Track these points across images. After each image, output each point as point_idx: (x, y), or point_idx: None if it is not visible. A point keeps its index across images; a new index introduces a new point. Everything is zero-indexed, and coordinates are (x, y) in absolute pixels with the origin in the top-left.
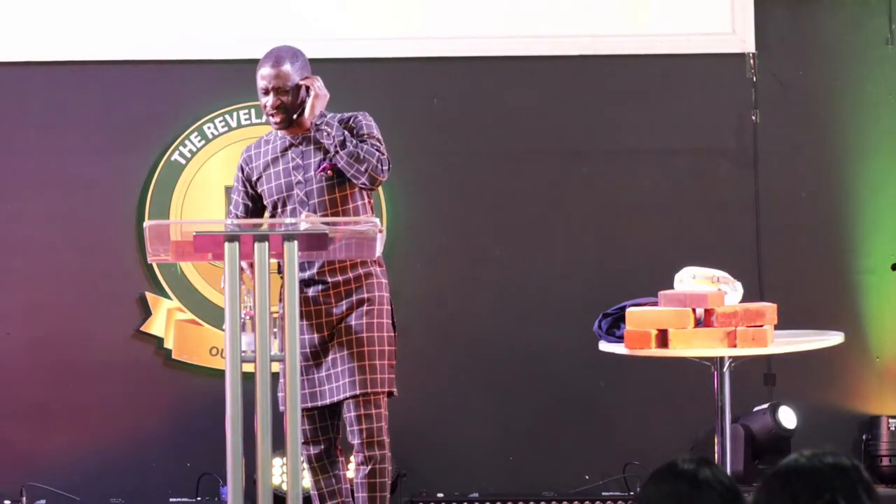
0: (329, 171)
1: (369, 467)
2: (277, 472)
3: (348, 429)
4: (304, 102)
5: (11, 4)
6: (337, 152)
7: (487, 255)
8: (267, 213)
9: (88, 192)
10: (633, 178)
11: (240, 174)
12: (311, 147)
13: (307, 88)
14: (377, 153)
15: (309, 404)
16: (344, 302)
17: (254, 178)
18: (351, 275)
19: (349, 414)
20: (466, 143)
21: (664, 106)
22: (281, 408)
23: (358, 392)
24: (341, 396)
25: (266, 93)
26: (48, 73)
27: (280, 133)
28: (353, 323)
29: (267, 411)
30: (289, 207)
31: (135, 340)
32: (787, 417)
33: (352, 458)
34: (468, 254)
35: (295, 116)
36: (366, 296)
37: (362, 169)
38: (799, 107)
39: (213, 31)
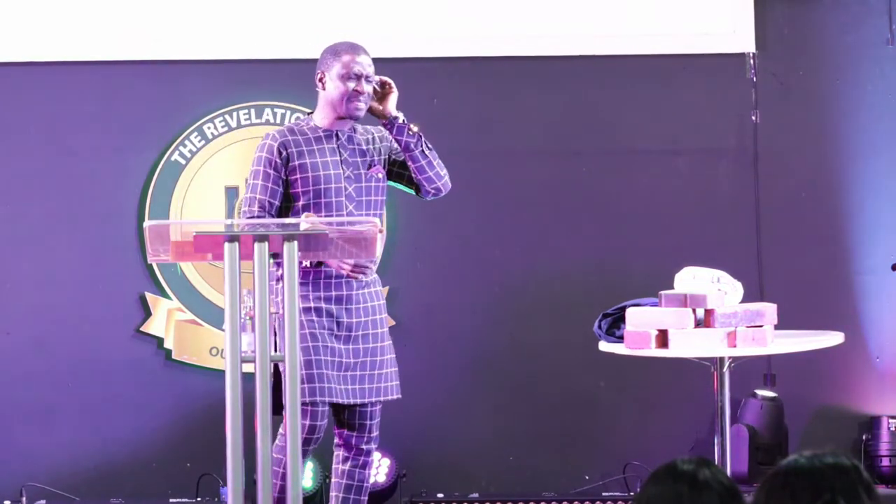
0: (379, 174)
1: (367, 459)
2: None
3: (365, 434)
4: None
5: (11, 4)
6: (430, 149)
7: (487, 255)
8: (300, 202)
9: (88, 192)
10: (634, 178)
11: (274, 158)
12: (355, 146)
13: (384, 84)
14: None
15: (325, 398)
16: (370, 306)
17: (294, 163)
18: (372, 277)
19: (370, 421)
20: (466, 143)
21: (664, 106)
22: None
23: (392, 397)
24: (374, 398)
25: (359, 78)
26: (48, 73)
27: (312, 124)
28: (380, 330)
29: (267, 411)
30: (334, 200)
31: (135, 340)
32: (767, 391)
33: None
34: (468, 254)
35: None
36: (383, 302)
37: (442, 173)
38: (799, 107)
39: (213, 31)
